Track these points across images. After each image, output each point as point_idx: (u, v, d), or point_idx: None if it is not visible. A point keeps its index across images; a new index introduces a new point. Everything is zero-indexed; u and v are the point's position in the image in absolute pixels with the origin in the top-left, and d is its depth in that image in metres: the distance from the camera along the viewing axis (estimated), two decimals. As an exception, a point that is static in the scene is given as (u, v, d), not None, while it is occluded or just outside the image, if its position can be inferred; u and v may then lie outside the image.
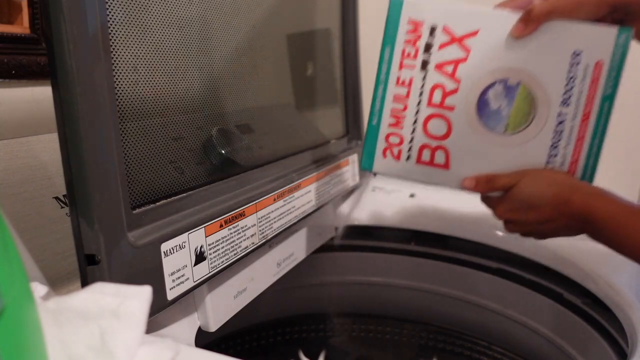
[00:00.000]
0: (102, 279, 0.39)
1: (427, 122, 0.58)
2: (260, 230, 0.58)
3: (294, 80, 0.74)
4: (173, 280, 0.45)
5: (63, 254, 0.56)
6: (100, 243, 0.39)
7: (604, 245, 0.52)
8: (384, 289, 0.89)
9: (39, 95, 0.64)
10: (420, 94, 0.58)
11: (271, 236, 0.61)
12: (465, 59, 0.56)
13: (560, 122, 0.56)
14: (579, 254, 0.70)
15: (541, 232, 0.57)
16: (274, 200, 0.61)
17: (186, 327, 0.51)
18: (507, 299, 0.79)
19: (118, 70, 0.42)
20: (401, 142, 0.59)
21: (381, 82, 0.59)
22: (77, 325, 0.30)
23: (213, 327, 0.54)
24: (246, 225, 0.56)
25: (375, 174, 0.63)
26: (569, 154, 0.56)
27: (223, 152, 0.54)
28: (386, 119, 0.59)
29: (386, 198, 0.88)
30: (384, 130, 0.59)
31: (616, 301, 0.61)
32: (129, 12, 0.43)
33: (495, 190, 0.57)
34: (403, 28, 0.57)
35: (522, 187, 0.55)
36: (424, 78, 0.57)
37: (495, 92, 0.56)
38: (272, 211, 0.61)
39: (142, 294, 0.32)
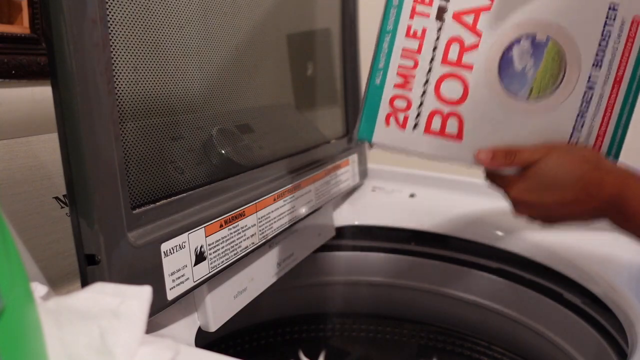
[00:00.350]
0: (102, 279, 0.39)
1: (440, 83, 0.49)
2: (260, 230, 0.58)
3: (294, 80, 0.74)
4: (173, 280, 0.45)
5: (63, 254, 0.56)
6: (100, 243, 0.39)
7: (630, 234, 0.47)
8: (384, 289, 0.89)
9: (39, 95, 0.64)
10: (435, 48, 0.49)
11: (271, 236, 0.61)
12: (488, 7, 0.48)
13: (590, 88, 0.49)
14: (579, 254, 0.70)
15: (557, 217, 0.51)
16: (274, 200, 0.61)
17: (186, 327, 0.51)
18: (507, 299, 0.79)
19: (118, 70, 0.42)
20: (408, 107, 0.50)
21: (387, 32, 0.49)
22: (77, 325, 0.30)
23: (213, 327, 0.54)
24: (246, 225, 0.56)
25: (372, 146, 0.52)
26: (596, 125, 0.49)
27: (223, 152, 0.54)
28: (392, 77, 0.50)
29: (386, 198, 0.88)
30: (388, 91, 0.50)
31: (616, 301, 0.61)
32: (129, 11, 0.43)
33: (514, 166, 0.50)
34: None
35: (548, 163, 0.48)
36: (440, 29, 0.49)
37: (521, 50, 0.49)
38: (272, 211, 0.61)
39: (142, 294, 0.32)
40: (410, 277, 0.87)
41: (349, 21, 0.85)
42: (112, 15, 0.41)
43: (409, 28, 0.49)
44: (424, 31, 0.49)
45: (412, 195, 0.88)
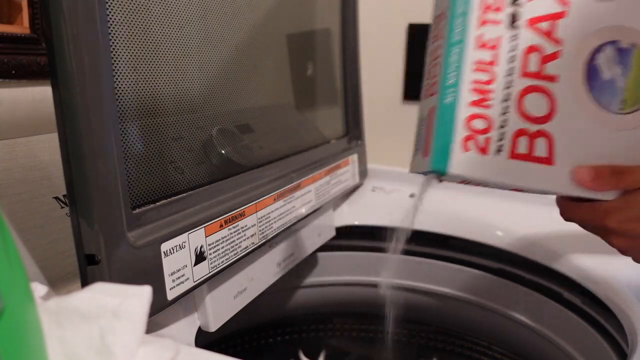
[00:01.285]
0: (102, 279, 0.39)
1: (522, 97, 0.43)
2: (260, 230, 0.58)
3: (294, 80, 0.74)
4: (173, 280, 0.45)
5: (63, 254, 0.56)
6: (100, 243, 0.39)
7: None
8: (384, 289, 0.89)
9: (39, 95, 0.64)
10: (512, 59, 0.43)
11: (271, 236, 0.61)
12: (563, 14, 0.43)
13: None
14: (579, 254, 0.70)
15: None
16: (274, 200, 0.61)
17: (186, 327, 0.51)
18: (507, 299, 0.79)
19: (118, 70, 0.42)
20: (489, 128, 0.42)
21: (455, 43, 0.43)
22: (77, 325, 0.30)
23: (213, 327, 0.54)
24: (246, 225, 0.56)
25: (441, 179, 0.45)
26: None
27: (223, 152, 0.54)
28: (466, 94, 0.42)
29: (386, 198, 0.88)
30: (463, 110, 0.42)
31: (616, 301, 0.61)
32: (129, 12, 0.43)
33: (620, 188, 0.43)
34: None
35: None
36: (515, 37, 0.43)
37: (606, 57, 0.44)
38: (272, 211, 0.61)
39: (142, 294, 0.32)
40: (410, 277, 0.87)
41: (349, 21, 0.85)
42: (112, 15, 0.41)
43: (479, 38, 0.42)
44: (498, 40, 0.42)
45: (412, 195, 0.88)
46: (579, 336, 0.69)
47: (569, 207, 0.46)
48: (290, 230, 0.67)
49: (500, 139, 0.42)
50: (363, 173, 0.89)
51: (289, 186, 0.64)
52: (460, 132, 0.42)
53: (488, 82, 0.42)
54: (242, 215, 0.55)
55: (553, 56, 0.43)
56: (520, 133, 0.43)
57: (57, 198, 0.58)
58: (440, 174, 0.43)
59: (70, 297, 0.31)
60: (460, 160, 0.42)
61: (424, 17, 1.03)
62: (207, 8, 0.54)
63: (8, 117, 0.60)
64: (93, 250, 0.39)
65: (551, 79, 0.43)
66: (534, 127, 0.43)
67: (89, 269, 0.39)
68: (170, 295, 0.45)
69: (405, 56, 1.06)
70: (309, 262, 0.78)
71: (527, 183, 0.43)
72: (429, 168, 0.43)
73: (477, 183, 0.44)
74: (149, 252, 0.43)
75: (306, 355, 0.87)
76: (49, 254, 0.55)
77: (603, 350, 0.63)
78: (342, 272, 0.88)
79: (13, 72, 0.62)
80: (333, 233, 0.83)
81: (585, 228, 0.46)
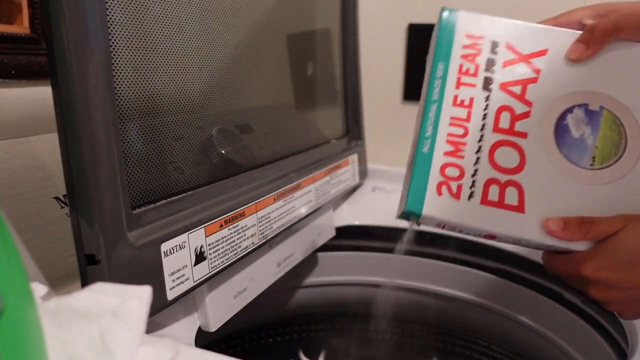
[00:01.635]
0: (102, 279, 0.39)
1: (493, 150, 0.46)
2: (260, 230, 0.58)
3: (294, 80, 0.74)
4: (173, 280, 0.45)
5: (63, 254, 0.56)
6: (100, 243, 0.39)
7: None
8: (384, 289, 0.89)
9: (39, 95, 0.64)
10: (484, 116, 0.47)
11: (271, 236, 0.61)
12: (535, 80, 0.47)
13: None
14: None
15: None
16: (274, 200, 0.61)
17: (186, 327, 0.51)
18: (507, 299, 0.79)
19: (118, 70, 0.42)
20: (461, 175, 0.46)
21: (433, 101, 0.48)
22: (77, 325, 0.30)
23: (213, 327, 0.54)
24: (246, 225, 0.56)
25: (419, 223, 0.48)
26: None
27: (223, 152, 0.54)
28: (441, 145, 0.47)
29: (386, 198, 0.88)
30: (438, 159, 0.46)
31: (616, 301, 0.61)
32: (129, 12, 0.43)
33: (588, 239, 0.44)
34: (459, 42, 0.48)
35: (631, 235, 0.42)
36: (488, 98, 0.47)
37: (576, 118, 0.46)
38: (272, 211, 0.61)
39: (142, 294, 0.32)
40: (410, 277, 0.87)
41: (349, 21, 0.85)
42: (112, 15, 0.41)
43: (455, 97, 0.47)
44: (471, 100, 0.47)
45: (412, 195, 0.88)
46: (579, 336, 0.69)
47: (550, 260, 0.47)
48: (290, 230, 0.67)
49: (472, 186, 0.46)
50: (363, 173, 0.89)
51: (289, 186, 0.64)
52: (434, 178, 0.46)
53: (462, 136, 0.47)
54: (242, 215, 0.55)
55: (523, 115, 0.46)
56: (491, 182, 0.46)
57: (57, 198, 0.58)
58: (415, 216, 0.46)
59: (70, 297, 0.31)
60: (433, 203, 0.45)
61: (424, 17, 1.03)
62: (207, 8, 0.54)
63: (8, 117, 0.60)
64: (93, 250, 0.39)
65: (521, 135, 0.46)
66: (504, 177, 0.46)
67: (89, 269, 0.39)
68: (170, 295, 0.45)
69: (405, 56, 1.06)
70: (309, 262, 0.78)
71: (499, 229, 0.45)
72: (404, 209, 0.46)
73: (452, 227, 0.47)
74: (149, 252, 0.43)
75: (306, 355, 0.87)
76: (49, 254, 0.55)
77: (603, 350, 0.63)
78: (342, 272, 0.88)
79: (13, 72, 0.62)
80: (333, 233, 0.83)
81: (567, 281, 0.48)
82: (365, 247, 0.87)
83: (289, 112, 0.74)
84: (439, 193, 0.46)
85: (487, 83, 0.47)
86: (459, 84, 0.47)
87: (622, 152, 0.46)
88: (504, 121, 0.47)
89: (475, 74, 0.47)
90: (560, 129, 0.46)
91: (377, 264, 0.87)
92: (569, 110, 0.47)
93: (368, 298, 0.90)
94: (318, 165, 0.73)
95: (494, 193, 0.46)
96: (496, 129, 0.47)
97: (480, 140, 0.47)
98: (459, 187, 0.46)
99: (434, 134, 0.47)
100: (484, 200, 0.46)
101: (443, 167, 0.46)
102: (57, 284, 0.54)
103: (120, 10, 0.42)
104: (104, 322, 0.30)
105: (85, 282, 0.39)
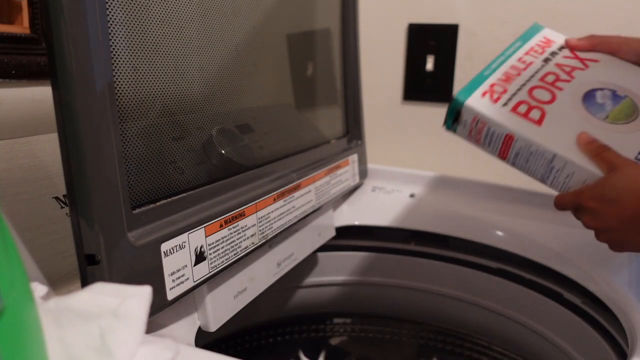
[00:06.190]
0: (102, 279, 0.39)
1: (533, 89, 0.61)
2: (260, 230, 0.58)
3: (294, 80, 0.74)
4: (173, 280, 0.45)
5: (63, 254, 0.56)
6: (100, 243, 0.39)
7: None
8: (384, 289, 0.89)
9: (39, 95, 0.64)
10: (536, 72, 0.63)
11: (271, 236, 0.61)
12: (583, 69, 0.63)
13: None
14: (579, 254, 0.70)
15: (618, 236, 0.52)
16: (274, 200, 0.61)
17: (186, 327, 0.51)
18: (507, 299, 0.79)
19: (118, 70, 0.42)
20: (504, 92, 0.61)
21: (504, 54, 0.65)
22: (77, 325, 0.30)
23: (213, 327, 0.54)
24: (246, 225, 0.56)
25: (460, 117, 0.62)
26: None
27: (223, 152, 0.54)
28: (498, 74, 0.63)
29: (386, 198, 0.88)
30: (491, 79, 0.62)
31: (616, 301, 0.61)
32: (129, 12, 0.43)
33: (602, 160, 0.53)
34: (537, 38, 0.67)
35: (618, 176, 0.50)
36: (543, 66, 0.63)
37: (603, 94, 0.60)
38: (272, 211, 0.61)
39: (142, 294, 0.32)
40: (410, 277, 0.87)
41: (349, 21, 0.85)
42: (112, 16, 0.41)
43: (520, 58, 0.65)
44: (530, 63, 0.64)
45: (412, 195, 0.88)
46: (579, 336, 0.69)
47: (562, 195, 0.57)
48: (290, 230, 0.67)
49: (509, 99, 0.60)
50: (363, 173, 0.89)
51: (289, 186, 0.64)
52: (483, 88, 0.62)
53: (515, 75, 0.63)
54: (242, 215, 0.55)
55: (565, 80, 0.62)
56: (523, 102, 0.60)
57: (57, 198, 0.58)
58: (459, 104, 0.61)
59: (70, 297, 0.31)
60: (476, 99, 0.61)
61: (424, 17, 1.03)
62: (207, 8, 0.54)
63: (8, 117, 0.60)
64: (93, 250, 0.39)
65: (558, 88, 0.61)
66: (534, 103, 0.60)
67: (89, 269, 0.39)
68: (170, 295, 0.45)
69: (405, 56, 1.06)
70: (309, 262, 0.78)
71: (517, 129, 0.58)
72: (453, 97, 0.62)
73: (483, 122, 0.60)
74: (149, 252, 0.43)
75: (306, 355, 0.87)
76: (49, 254, 0.55)
77: (603, 350, 0.63)
78: (342, 272, 0.88)
79: (13, 72, 0.62)
80: (333, 233, 0.83)
81: (573, 212, 0.56)
82: (365, 247, 0.87)
83: (289, 112, 0.74)
84: (483, 96, 0.61)
85: (546, 60, 0.65)
86: (527, 53, 0.65)
87: (632, 120, 0.58)
88: (549, 78, 0.62)
89: (541, 53, 0.65)
90: (589, 96, 0.60)
91: (377, 264, 0.88)
92: (600, 88, 0.61)
93: (368, 298, 0.90)
94: (318, 165, 0.73)
95: (522, 108, 0.59)
96: (542, 80, 0.62)
97: (527, 80, 0.62)
98: (499, 97, 0.61)
99: (496, 68, 0.64)
100: (514, 110, 0.59)
101: (492, 85, 0.62)
102: (57, 284, 0.54)
103: (120, 10, 0.42)
104: (104, 322, 0.30)
105: (85, 282, 0.39)
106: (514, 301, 0.78)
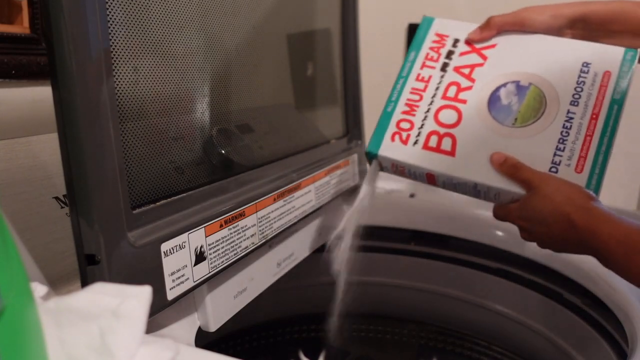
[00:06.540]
0: (102, 279, 0.39)
1: (438, 112, 0.60)
2: (260, 230, 0.58)
3: (294, 80, 0.74)
4: (173, 280, 0.45)
5: (63, 254, 0.56)
6: (100, 243, 0.39)
7: (616, 273, 0.47)
8: (384, 289, 0.89)
9: (39, 95, 0.64)
10: (437, 88, 0.62)
11: (271, 236, 0.61)
12: (482, 64, 0.62)
13: (569, 120, 0.57)
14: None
15: (557, 249, 0.53)
16: (274, 200, 0.61)
17: (186, 327, 0.51)
18: (507, 299, 0.79)
19: (118, 70, 0.42)
20: (411, 128, 0.61)
21: (402, 77, 0.64)
22: (77, 325, 0.30)
23: (213, 327, 0.54)
24: (246, 225, 0.56)
25: (379, 164, 0.63)
26: (577, 149, 0.55)
27: (223, 152, 0.54)
28: (400, 107, 0.62)
29: (386, 198, 0.88)
30: (396, 116, 0.62)
31: (616, 301, 0.61)
32: (129, 12, 0.43)
33: (515, 179, 0.54)
34: (430, 38, 0.65)
35: (537, 198, 0.52)
36: (442, 77, 0.62)
37: (507, 91, 0.59)
38: (272, 211, 0.61)
39: (142, 294, 0.32)
40: (410, 277, 0.87)
41: (349, 21, 0.85)
42: (112, 15, 0.41)
43: (418, 75, 0.63)
44: (430, 77, 0.63)
45: (412, 195, 0.88)
46: (579, 336, 0.69)
47: (496, 208, 0.58)
48: (290, 230, 0.67)
49: (417, 135, 0.60)
50: (363, 173, 0.89)
51: (289, 186, 0.64)
52: (391, 129, 0.62)
53: (417, 101, 0.62)
54: (242, 215, 0.55)
55: (467, 88, 0.61)
56: (432, 133, 0.60)
57: (57, 198, 0.58)
58: (373, 155, 0.62)
59: (70, 297, 0.31)
60: (387, 146, 0.61)
61: (424, 17, 1.03)
62: (207, 8, 0.54)
63: (8, 117, 0.60)
64: (93, 250, 0.39)
65: (462, 101, 0.61)
66: (443, 130, 0.60)
67: (89, 269, 0.39)
68: (170, 295, 0.45)
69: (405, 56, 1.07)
70: (309, 262, 0.78)
71: (435, 167, 0.58)
72: (366, 150, 0.63)
73: (401, 166, 0.61)
74: (149, 252, 0.43)
75: (306, 355, 0.87)
76: (49, 254, 0.55)
77: (603, 350, 0.63)
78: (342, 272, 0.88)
79: (13, 72, 0.62)
80: (333, 233, 0.83)
81: (506, 221, 0.58)
82: (365, 247, 0.87)
83: (289, 112, 0.74)
84: (392, 140, 0.61)
85: (444, 66, 0.63)
86: (423, 66, 0.64)
87: (539, 117, 0.58)
88: (451, 92, 0.61)
89: (437, 60, 0.64)
90: (494, 98, 0.60)
91: (377, 264, 0.87)
92: (503, 85, 0.60)
93: (368, 298, 0.90)
94: (318, 165, 0.73)
95: (433, 141, 0.59)
96: (444, 97, 0.61)
97: (430, 104, 0.61)
98: (408, 136, 0.61)
99: (397, 98, 0.63)
100: (425, 146, 0.59)
101: (399, 122, 0.62)
102: (57, 284, 0.54)
103: (120, 10, 0.42)
104: (104, 322, 0.30)
105: (85, 282, 0.39)
106: (514, 301, 0.78)
